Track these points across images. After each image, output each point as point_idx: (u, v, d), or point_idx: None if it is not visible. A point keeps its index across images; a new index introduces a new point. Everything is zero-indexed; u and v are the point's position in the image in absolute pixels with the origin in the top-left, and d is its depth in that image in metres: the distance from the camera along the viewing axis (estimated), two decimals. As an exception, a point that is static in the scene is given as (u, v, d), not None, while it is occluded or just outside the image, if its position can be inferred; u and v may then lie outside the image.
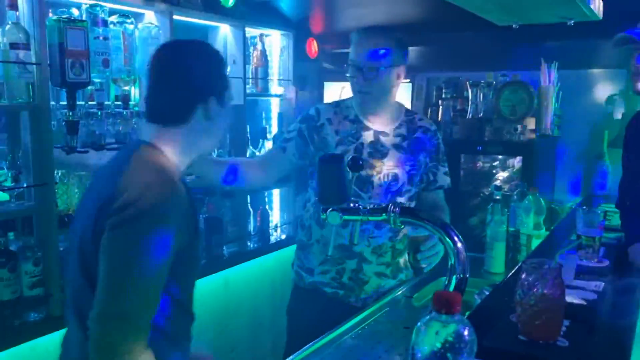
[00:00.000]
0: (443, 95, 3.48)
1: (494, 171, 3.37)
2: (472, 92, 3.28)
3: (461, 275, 1.36)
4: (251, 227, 3.20)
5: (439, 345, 0.82)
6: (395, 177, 1.96)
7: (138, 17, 2.50)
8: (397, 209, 1.39)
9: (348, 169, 1.46)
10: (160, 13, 2.52)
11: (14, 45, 1.91)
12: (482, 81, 3.28)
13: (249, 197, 3.15)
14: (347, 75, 1.96)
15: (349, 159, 1.49)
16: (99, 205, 1.25)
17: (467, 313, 1.65)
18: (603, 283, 1.60)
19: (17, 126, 2.06)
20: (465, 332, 0.83)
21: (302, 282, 2.07)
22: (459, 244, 1.36)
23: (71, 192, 2.20)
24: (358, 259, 1.98)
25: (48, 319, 2.09)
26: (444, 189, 2.15)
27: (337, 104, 2.07)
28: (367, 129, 1.98)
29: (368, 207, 1.42)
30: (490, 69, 3.40)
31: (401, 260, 2.07)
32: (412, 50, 3.65)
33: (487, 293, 1.71)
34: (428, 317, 0.84)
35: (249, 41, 3.12)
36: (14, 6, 1.93)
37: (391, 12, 3.18)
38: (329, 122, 1.99)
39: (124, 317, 1.17)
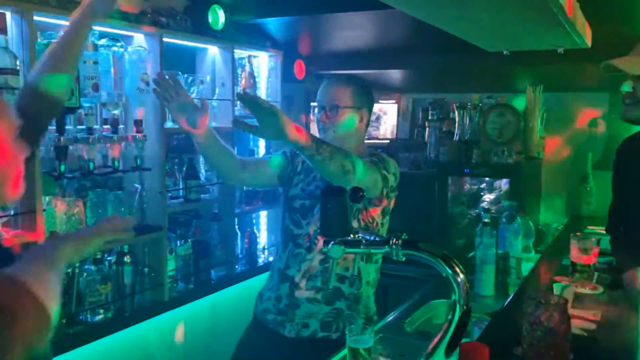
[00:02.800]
0: (429, 117, 3.51)
1: (481, 193, 3.40)
2: (458, 114, 3.31)
3: (465, 307, 1.35)
4: (239, 249, 3.16)
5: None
6: None
7: (127, 39, 2.48)
8: (399, 241, 1.38)
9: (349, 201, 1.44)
10: (150, 36, 2.49)
11: (2, 71, 1.87)
12: (469, 103, 3.31)
13: (236, 219, 3.12)
14: (313, 114, 2.06)
15: (349, 190, 1.48)
16: None
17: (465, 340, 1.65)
18: (600, 311, 1.61)
19: (5, 152, 2.01)
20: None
21: (257, 309, 2.14)
22: (461, 275, 1.35)
23: (58, 219, 2.15)
24: (290, 283, 2.02)
25: (34, 350, 2.03)
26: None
27: None
28: None
29: (370, 239, 1.41)
30: (476, 91, 3.44)
31: (342, 287, 2.00)
32: (398, 72, 3.73)
33: (486, 323, 1.71)
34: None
35: (237, 62, 3.11)
36: (3, 30, 1.89)
37: (378, 34, 3.21)
38: None
39: None
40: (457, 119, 3.30)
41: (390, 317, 2.15)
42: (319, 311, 1.99)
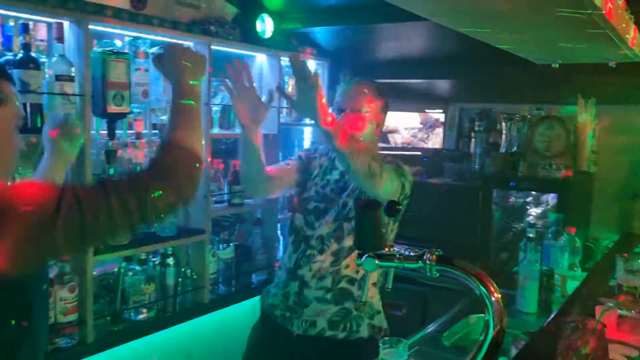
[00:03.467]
0: (476, 128, 3.46)
1: (527, 207, 3.32)
2: (505, 125, 3.25)
3: (498, 327, 1.33)
4: (280, 254, 3.19)
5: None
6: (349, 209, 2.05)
7: (178, 47, 2.55)
8: (432, 256, 1.37)
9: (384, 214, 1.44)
10: (200, 43, 2.56)
11: (59, 77, 1.97)
12: (517, 115, 3.24)
13: (278, 225, 3.16)
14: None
15: (385, 203, 1.48)
16: None
17: (503, 358, 1.62)
18: (644, 337, 1.55)
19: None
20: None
21: (263, 304, 2.18)
22: (496, 295, 1.33)
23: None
24: (299, 282, 2.04)
25: (80, 344, 2.11)
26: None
27: None
28: (336, 167, 2.11)
29: (404, 254, 1.41)
30: (525, 102, 3.37)
31: (351, 289, 2.03)
32: (446, 82, 3.69)
33: (523, 342, 1.67)
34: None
35: (284, 69, 3.15)
36: (60, 39, 1.99)
37: (426, 44, 3.19)
38: (319, 156, 2.19)
39: None
40: (504, 131, 3.24)
41: (427, 330, 2.13)
42: (327, 310, 2.01)
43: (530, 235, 2.38)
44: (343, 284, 2.03)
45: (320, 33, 3.16)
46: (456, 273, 1.37)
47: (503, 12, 1.26)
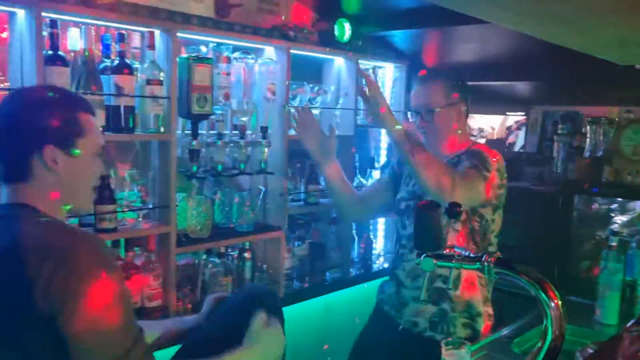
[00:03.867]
0: (559, 131, 3.34)
1: (612, 214, 3.17)
2: (590, 128, 3.12)
3: (557, 332, 1.32)
4: (354, 253, 3.25)
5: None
6: None
7: (258, 52, 2.68)
8: (491, 258, 1.38)
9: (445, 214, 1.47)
10: (279, 48, 2.67)
11: (149, 82, 2.14)
12: (603, 118, 3.11)
13: (354, 224, 3.22)
14: (409, 118, 2.21)
15: (446, 204, 1.50)
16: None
17: (566, 368, 1.59)
18: None
19: (148, 153, 2.29)
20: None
21: (378, 297, 2.31)
22: (556, 301, 1.33)
23: (189, 214, 2.39)
24: (396, 282, 2.14)
25: (163, 329, 2.27)
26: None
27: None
28: None
29: (463, 255, 1.43)
30: (611, 104, 3.22)
31: (449, 291, 2.02)
32: (527, 84, 3.59)
33: (591, 351, 1.64)
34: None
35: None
36: (151, 47, 2.16)
37: (507, 46, 3.13)
38: None
39: None
40: (588, 134, 3.11)
41: (498, 335, 2.12)
42: (426, 310, 2.06)
43: (613, 243, 2.31)
44: (438, 284, 2.03)
45: (398, 36, 3.19)
46: (515, 276, 1.37)
47: (563, 14, 1.25)
